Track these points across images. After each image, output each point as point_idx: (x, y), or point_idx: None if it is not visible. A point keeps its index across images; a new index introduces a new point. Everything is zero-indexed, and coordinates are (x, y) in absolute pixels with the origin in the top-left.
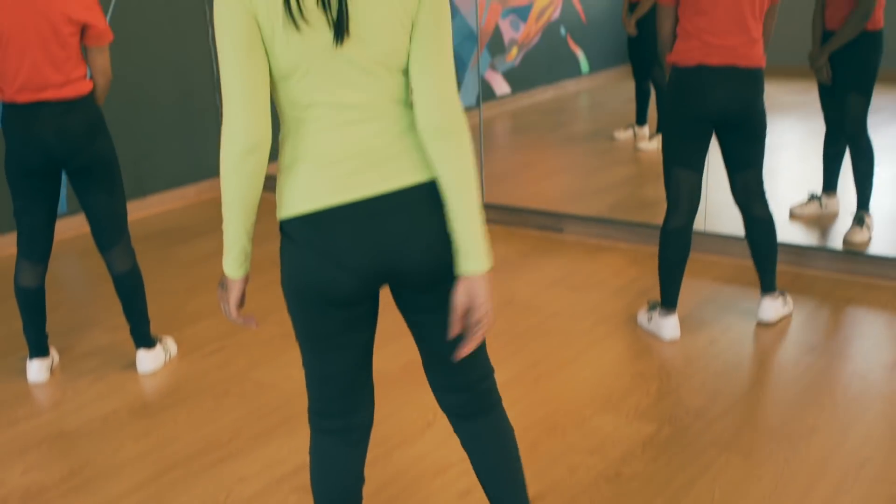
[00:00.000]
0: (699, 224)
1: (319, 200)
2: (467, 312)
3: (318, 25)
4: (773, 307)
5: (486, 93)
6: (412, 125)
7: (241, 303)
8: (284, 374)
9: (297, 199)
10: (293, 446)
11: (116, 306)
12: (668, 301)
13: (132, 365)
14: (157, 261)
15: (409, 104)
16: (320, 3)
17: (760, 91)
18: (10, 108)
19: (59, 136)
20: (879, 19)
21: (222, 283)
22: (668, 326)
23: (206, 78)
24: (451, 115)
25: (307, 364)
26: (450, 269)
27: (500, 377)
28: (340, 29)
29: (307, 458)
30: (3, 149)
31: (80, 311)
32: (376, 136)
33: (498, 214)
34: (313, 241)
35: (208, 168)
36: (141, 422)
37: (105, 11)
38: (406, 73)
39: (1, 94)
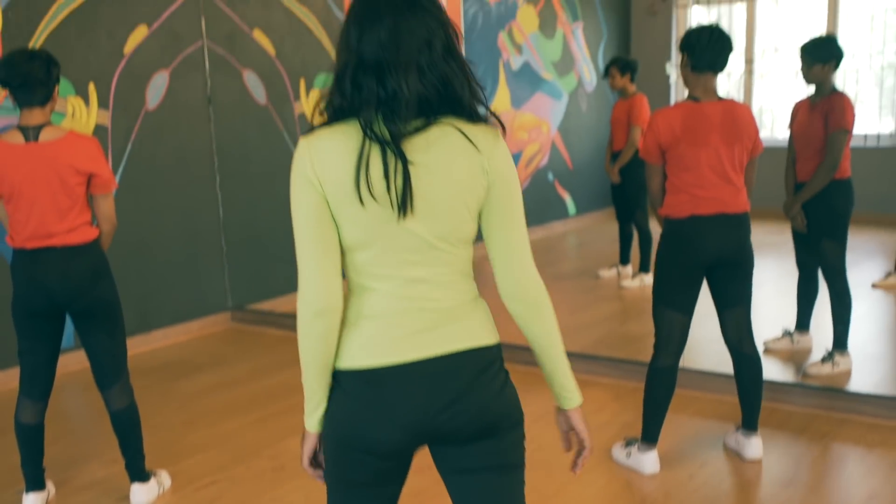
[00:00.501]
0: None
1: (380, 358)
2: (569, 436)
3: (383, 201)
4: (758, 444)
5: (479, 233)
6: (475, 295)
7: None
8: (280, 500)
9: (358, 354)
10: None
11: (114, 440)
12: (649, 436)
13: (126, 498)
14: (158, 394)
15: (472, 275)
16: (385, 180)
17: (748, 232)
18: (19, 253)
19: (63, 280)
20: (846, 169)
21: (304, 434)
22: (649, 461)
23: (212, 220)
24: (530, 286)
25: None
26: (496, 427)
27: None
28: (404, 206)
29: None
30: (11, 291)
31: (79, 445)
32: (440, 303)
33: None
34: (367, 396)
35: (211, 304)
36: None
37: (120, 159)
38: (470, 245)
39: (11, 241)
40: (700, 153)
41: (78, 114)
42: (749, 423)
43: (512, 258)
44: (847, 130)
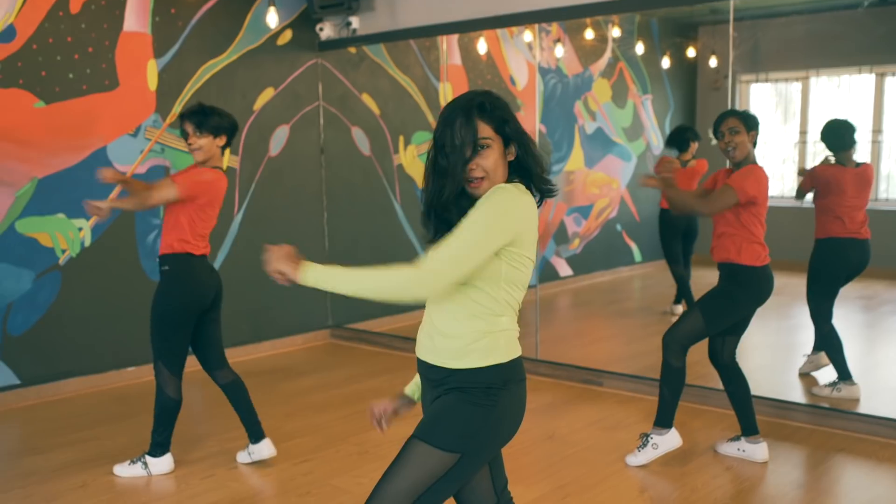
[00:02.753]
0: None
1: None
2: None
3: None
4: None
5: (552, 274)
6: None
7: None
8: (357, 482)
9: (514, 348)
10: None
11: (227, 422)
12: (755, 428)
13: (237, 467)
14: (265, 392)
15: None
16: None
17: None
18: (196, 258)
19: (217, 280)
20: (833, 230)
21: (292, 270)
22: (761, 450)
23: (319, 250)
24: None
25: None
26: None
27: (533, 494)
28: None
29: None
30: (174, 292)
31: (197, 427)
32: None
33: (549, 369)
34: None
35: (314, 322)
36: None
37: (245, 195)
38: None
39: (191, 247)
40: None
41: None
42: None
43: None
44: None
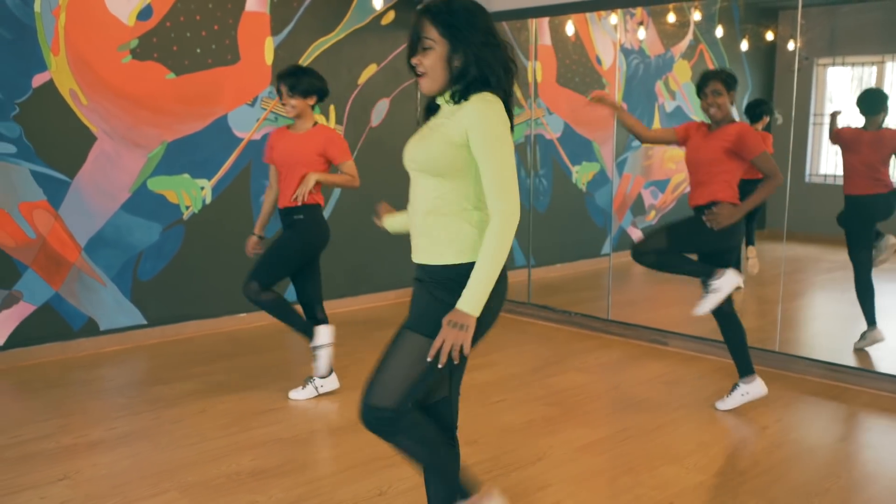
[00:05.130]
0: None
1: None
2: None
3: None
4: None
5: (627, 243)
6: None
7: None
8: None
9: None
10: None
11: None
12: (752, 368)
13: (328, 399)
14: (359, 339)
15: None
16: None
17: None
18: (321, 209)
19: None
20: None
21: (463, 325)
22: (759, 385)
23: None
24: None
25: (425, 382)
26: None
27: (597, 434)
28: None
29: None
30: (309, 236)
31: (298, 367)
32: None
33: (618, 328)
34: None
35: (406, 279)
36: (337, 435)
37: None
38: None
39: (319, 198)
40: None
41: None
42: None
43: None
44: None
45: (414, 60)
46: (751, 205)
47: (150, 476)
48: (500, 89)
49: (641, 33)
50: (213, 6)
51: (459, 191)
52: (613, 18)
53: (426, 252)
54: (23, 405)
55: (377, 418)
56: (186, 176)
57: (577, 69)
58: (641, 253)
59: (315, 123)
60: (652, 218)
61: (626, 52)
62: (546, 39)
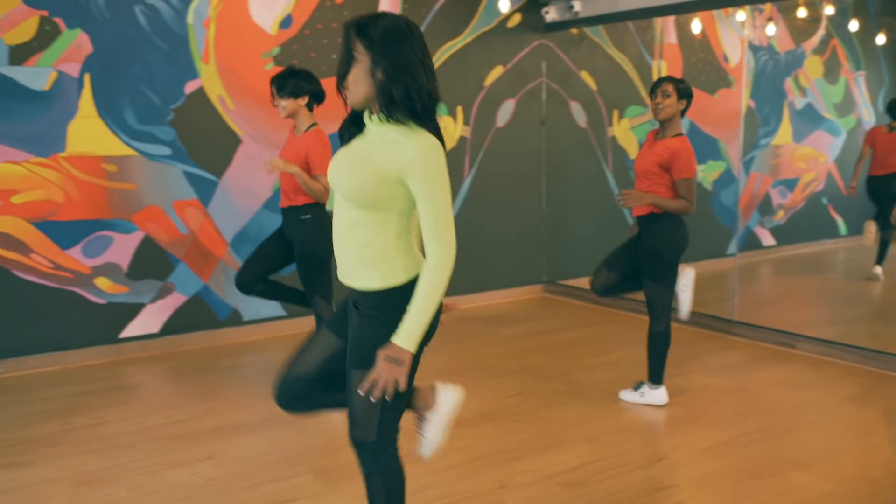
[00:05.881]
0: None
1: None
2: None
3: None
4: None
5: (754, 243)
6: None
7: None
8: (561, 414)
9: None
10: (561, 459)
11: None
12: (661, 378)
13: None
14: (485, 335)
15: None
16: None
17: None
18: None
19: None
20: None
21: (399, 360)
22: (662, 394)
23: (536, 212)
24: None
25: (393, 409)
26: None
27: (720, 437)
28: None
29: (573, 467)
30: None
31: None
32: None
33: (744, 330)
34: None
35: (529, 277)
36: (462, 427)
37: (474, 161)
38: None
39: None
40: None
41: (449, 129)
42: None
43: None
44: None
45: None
46: (661, 202)
47: (286, 459)
48: (428, 118)
49: (770, 29)
50: (348, 13)
51: (386, 217)
52: (741, 15)
53: (353, 275)
54: (175, 388)
55: (362, 449)
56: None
57: (704, 67)
58: (599, 291)
59: (312, 125)
60: (781, 217)
61: (755, 49)
62: (671, 38)
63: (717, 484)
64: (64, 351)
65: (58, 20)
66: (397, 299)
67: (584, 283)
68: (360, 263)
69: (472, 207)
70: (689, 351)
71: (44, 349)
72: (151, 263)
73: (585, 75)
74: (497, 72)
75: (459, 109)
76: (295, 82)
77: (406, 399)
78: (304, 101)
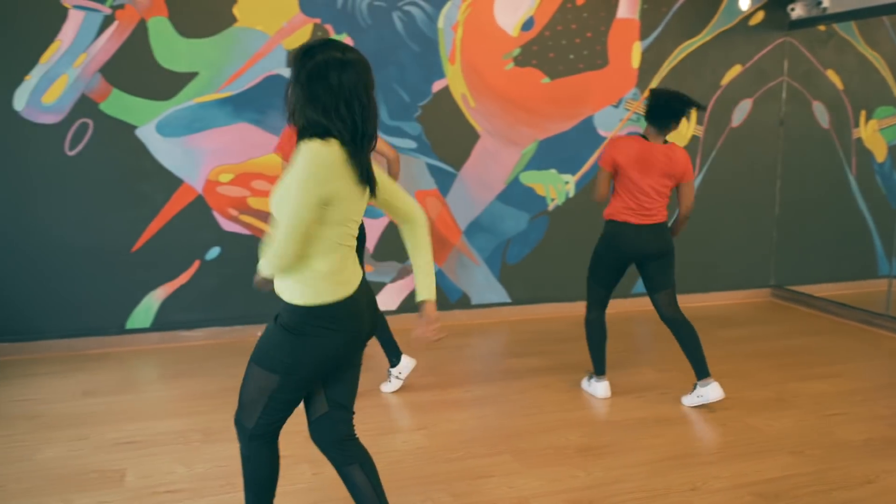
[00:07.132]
0: None
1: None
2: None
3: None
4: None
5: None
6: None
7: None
8: (767, 424)
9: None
10: (759, 468)
11: (665, 355)
12: (599, 370)
13: (672, 398)
14: (702, 335)
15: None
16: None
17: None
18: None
19: None
20: None
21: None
22: (601, 388)
23: (768, 215)
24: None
25: (272, 408)
26: None
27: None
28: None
29: (770, 478)
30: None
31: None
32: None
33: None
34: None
35: (756, 280)
36: (661, 425)
37: (706, 160)
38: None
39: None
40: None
41: (681, 128)
42: (701, 373)
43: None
44: None
45: None
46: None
47: (490, 437)
48: (358, 139)
49: None
50: (587, 15)
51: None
52: None
53: (279, 285)
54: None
55: (241, 431)
56: (553, 171)
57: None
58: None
59: None
60: None
61: None
62: None
63: None
64: None
65: (328, 26)
66: (302, 316)
67: (815, 289)
68: (284, 275)
69: (700, 207)
70: None
71: None
72: (393, 247)
73: (831, 74)
74: (735, 70)
75: (693, 109)
76: None
77: (290, 399)
78: None
